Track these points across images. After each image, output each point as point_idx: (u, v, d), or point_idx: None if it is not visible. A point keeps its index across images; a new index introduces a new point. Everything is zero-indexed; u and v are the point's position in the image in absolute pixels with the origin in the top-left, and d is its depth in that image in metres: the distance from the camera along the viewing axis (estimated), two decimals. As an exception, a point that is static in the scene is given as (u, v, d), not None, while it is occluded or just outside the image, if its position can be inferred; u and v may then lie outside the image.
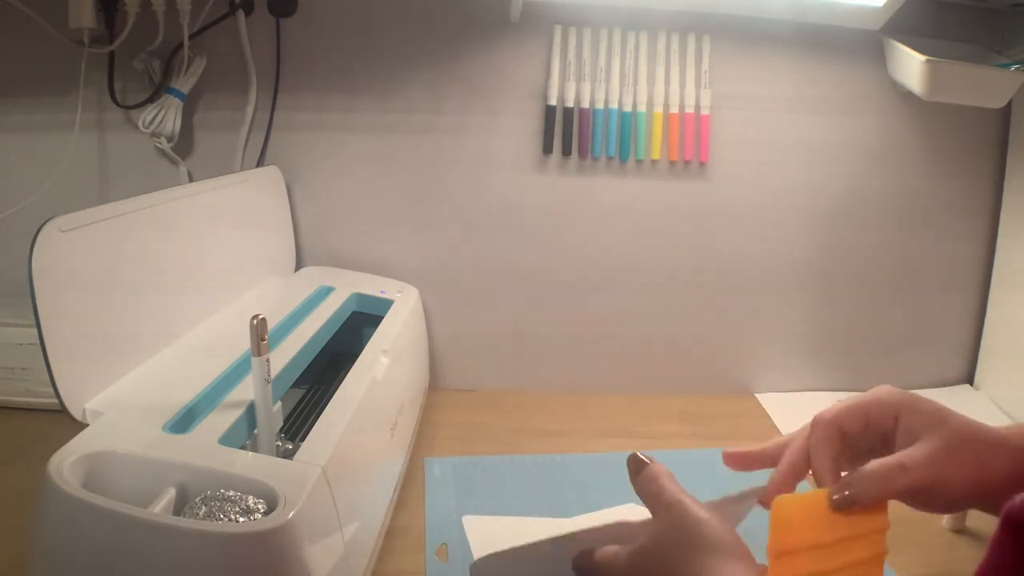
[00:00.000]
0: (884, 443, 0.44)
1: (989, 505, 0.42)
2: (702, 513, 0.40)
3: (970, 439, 0.41)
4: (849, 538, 0.41)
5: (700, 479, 0.57)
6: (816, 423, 0.45)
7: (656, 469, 0.45)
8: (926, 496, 0.41)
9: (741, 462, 0.49)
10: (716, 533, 0.39)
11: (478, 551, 0.63)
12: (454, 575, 0.62)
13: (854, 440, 0.44)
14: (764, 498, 0.45)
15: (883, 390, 0.44)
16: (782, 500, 0.42)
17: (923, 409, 0.42)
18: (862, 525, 0.41)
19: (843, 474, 0.44)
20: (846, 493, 0.41)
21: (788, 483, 0.46)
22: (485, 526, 0.68)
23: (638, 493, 0.45)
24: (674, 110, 0.95)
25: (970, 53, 0.93)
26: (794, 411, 0.99)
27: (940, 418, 0.41)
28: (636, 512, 0.72)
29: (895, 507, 0.42)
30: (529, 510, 0.72)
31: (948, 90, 0.89)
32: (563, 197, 0.98)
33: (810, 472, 0.46)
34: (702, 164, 0.98)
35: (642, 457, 0.46)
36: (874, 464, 0.41)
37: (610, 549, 0.45)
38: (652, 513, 0.43)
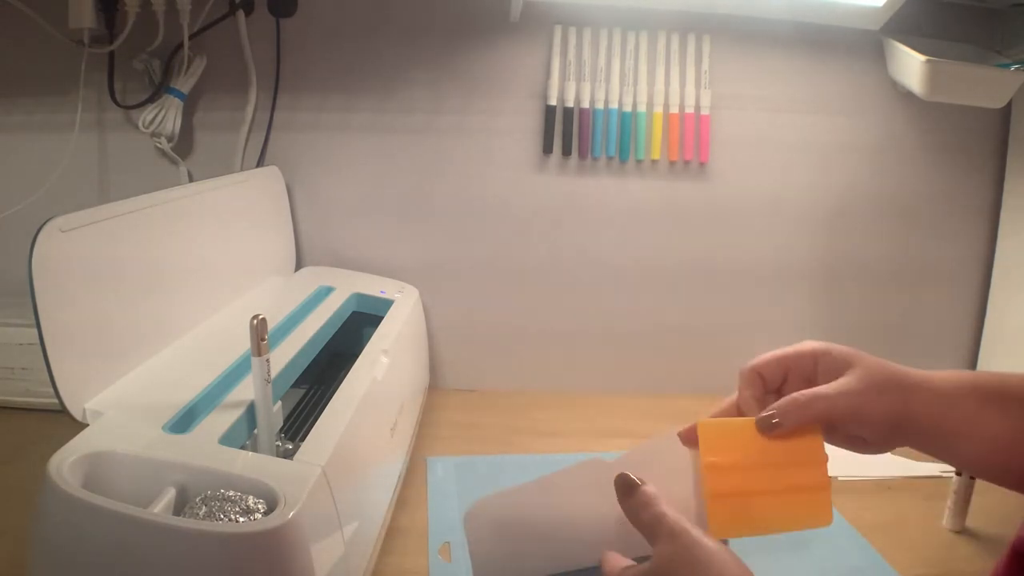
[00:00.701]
0: (810, 386, 0.46)
1: (915, 444, 0.44)
2: (711, 544, 0.39)
3: (885, 376, 0.44)
4: (785, 465, 0.44)
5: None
6: (740, 372, 0.48)
7: (649, 493, 0.43)
8: (851, 427, 0.44)
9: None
10: (727, 565, 0.38)
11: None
12: (458, 574, 0.62)
13: (780, 387, 0.48)
14: (687, 431, 0.47)
15: (803, 343, 0.48)
16: (706, 422, 0.45)
17: (839, 351, 0.46)
18: (795, 453, 0.44)
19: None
20: (770, 417, 0.44)
21: None
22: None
23: (630, 518, 0.43)
24: (674, 110, 0.95)
25: (970, 53, 0.93)
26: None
27: (855, 358, 0.45)
28: None
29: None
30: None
31: (948, 90, 0.89)
32: (563, 197, 0.98)
33: None
34: (702, 164, 0.98)
35: (632, 479, 0.44)
36: (795, 393, 0.44)
37: (615, 564, 0.44)
38: (650, 540, 0.41)
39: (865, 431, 0.44)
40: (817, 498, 0.44)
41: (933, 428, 0.43)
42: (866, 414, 0.43)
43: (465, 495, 0.74)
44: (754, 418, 0.45)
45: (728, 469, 0.44)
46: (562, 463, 0.82)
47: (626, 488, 0.44)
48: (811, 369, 0.47)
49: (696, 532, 0.40)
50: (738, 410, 0.48)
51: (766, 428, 0.44)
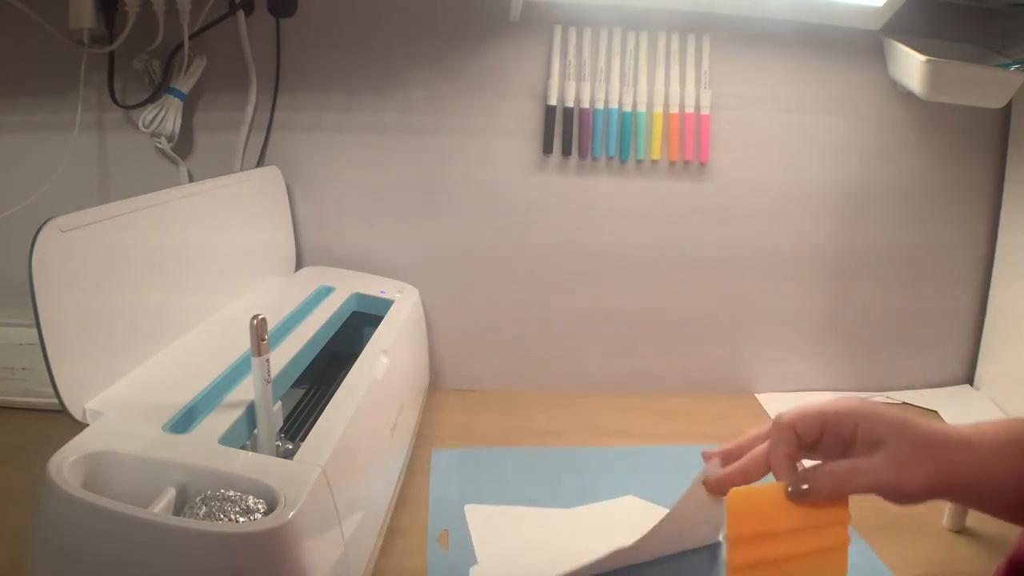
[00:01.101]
0: (846, 448, 0.45)
1: (953, 501, 0.43)
2: None
3: (930, 445, 0.42)
4: (808, 528, 0.44)
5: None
6: (775, 423, 0.47)
7: None
8: (886, 494, 0.43)
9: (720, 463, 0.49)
10: None
11: (479, 540, 0.64)
12: (455, 563, 0.62)
13: (814, 443, 0.46)
14: (714, 484, 0.47)
15: (844, 401, 0.45)
16: (736, 491, 0.45)
17: (882, 418, 0.43)
18: (821, 517, 0.44)
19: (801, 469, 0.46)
20: (803, 486, 0.43)
21: (744, 477, 0.47)
22: (486, 515, 0.69)
23: None
24: (674, 110, 0.95)
25: (970, 53, 0.93)
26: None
27: (899, 426, 0.43)
28: (635, 505, 0.73)
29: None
30: (531, 500, 0.73)
31: (948, 90, 0.89)
32: (563, 197, 0.98)
33: None
34: (702, 164, 0.98)
35: None
36: (832, 463, 0.43)
37: None
38: None
39: (896, 497, 0.43)
40: (835, 555, 0.44)
41: (973, 488, 0.42)
42: (902, 487, 0.42)
43: (466, 485, 0.75)
44: (783, 484, 0.44)
45: (752, 540, 0.44)
46: (564, 455, 0.83)
47: None
48: (850, 432, 0.45)
49: None
50: (767, 465, 0.47)
51: (797, 496, 0.44)
